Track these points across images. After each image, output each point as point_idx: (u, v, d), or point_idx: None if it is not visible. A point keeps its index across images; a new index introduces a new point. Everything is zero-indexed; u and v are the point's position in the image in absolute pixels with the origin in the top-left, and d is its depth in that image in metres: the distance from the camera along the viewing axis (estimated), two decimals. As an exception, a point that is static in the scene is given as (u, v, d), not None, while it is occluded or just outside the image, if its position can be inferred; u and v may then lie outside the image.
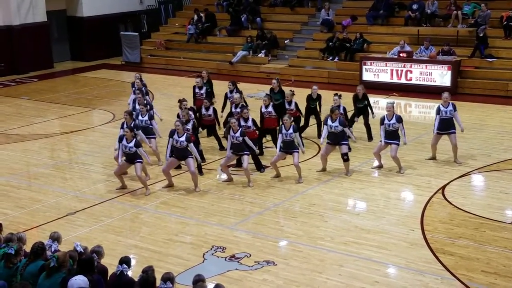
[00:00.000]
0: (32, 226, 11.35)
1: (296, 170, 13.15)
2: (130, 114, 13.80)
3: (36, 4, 26.38)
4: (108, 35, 28.69)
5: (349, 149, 13.71)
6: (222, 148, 15.16)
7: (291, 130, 12.91)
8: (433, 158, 14.16)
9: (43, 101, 21.41)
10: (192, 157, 12.79)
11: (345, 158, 13.34)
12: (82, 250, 7.54)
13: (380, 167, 13.78)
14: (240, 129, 12.96)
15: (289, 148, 13.05)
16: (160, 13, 30.83)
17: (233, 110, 14.91)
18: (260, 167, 13.89)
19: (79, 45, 28.76)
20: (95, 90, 23.08)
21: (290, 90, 15.39)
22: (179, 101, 14.71)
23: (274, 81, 16.01)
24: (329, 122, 13.32)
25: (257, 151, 13.69)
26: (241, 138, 12.84)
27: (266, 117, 14.59)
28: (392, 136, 13.28)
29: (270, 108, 14.55)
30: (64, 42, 28.93)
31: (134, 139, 12.52)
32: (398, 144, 13.33)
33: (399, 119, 13.28)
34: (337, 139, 13.33)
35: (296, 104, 15.05)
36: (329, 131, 13.35)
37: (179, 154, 12.72)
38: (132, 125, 13.28)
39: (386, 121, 13.31)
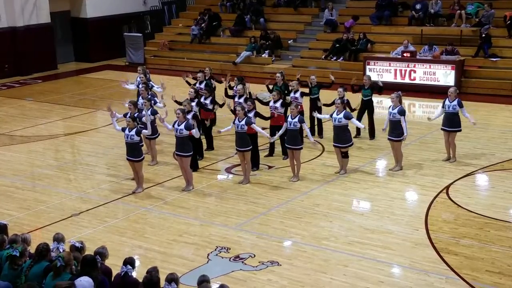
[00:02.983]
0: (36, 227, 11.37)
1: (295, 167, 13.05)
2: (134, 104, 13.87)
3: (40, 6, 26.42)
4: (112, 36, 28.72)
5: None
6: (210, 148, 15.08)
7: (296, 119, 12.75)
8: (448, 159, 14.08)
9: (47, 102, 21.45)
10: (190, 156, 12.70)
11: (343, 155, 13.31)
12: (78, 245, 7.60)
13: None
14: (246, 117, 12.77)
15: (292, 142, 12.86)
16: (164, 14, 30.84)
17: (236, 100, 14.65)
18: (255, 165, 13.71)
19: (83, 46, 28.80)
20: (99, 91, 23.11)
21: (297, 79, 15.41)
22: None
23: (278, 74, 15.92)
24: (334, 114, 13.16)
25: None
26: (245, 127, 12.67)
27: (272, 111, 14.16)
28: (392, 128, 13.30)
29: (278, 104, 14.11)
30: (68, 43, 28.97)
31: (136, 128, 12.50)
32: (399, 140, 13.31)
33: (402, 112, 13.21)
34: (339, 135, 13.13)
35: (300, 94, 14.90)
36: (334, 124, 13.17)
37: (178, 144, 12.65)
38: (135, 115, 13.37)
39: (390, 110, 13.38)
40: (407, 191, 12.76)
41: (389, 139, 13.46)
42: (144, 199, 12.60)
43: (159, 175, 13.87)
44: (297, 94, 14.89)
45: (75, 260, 7.30)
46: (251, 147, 12.92)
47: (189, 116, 13.31)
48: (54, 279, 7.01)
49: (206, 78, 16.82)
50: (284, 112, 14.22)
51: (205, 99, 15.08)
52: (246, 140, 12.83)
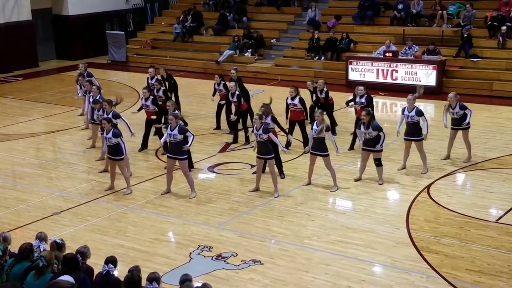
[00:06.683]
0: (17, 226, 11.28)
1: (330, 174, 12.68)
2: (109, 102, 13.78)
3: (21, 3, 26.21)
4: (94, 34, 28.56)
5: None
6: (145, 147, 15.16)
7: (316, 127, 12.36)
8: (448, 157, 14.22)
9: (28, 100, 21.28)
10: (186, 159, 12.38)
11: (377, 163, 12.89)
12: (59, 242, 7.57)
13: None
14: (263, 125, 12.16)
15: (318, 149, 12.45)
16: (146, 12, 30.75)
17: (230, 99, 15.47)
18: (280, 172, 13.31)
19: (65, 44, 28.63)
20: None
21: (293, 87, 14.97)
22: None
23: (232, 71, 16.57)
24: (363, 128, 12.69)
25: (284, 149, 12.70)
26: (265, 136, 12.10)
27: (291, 109, 14.63)
28: (413, 130, 13.22)
29: (296, 100, 14.48)
30: (49, 41, 28.77)
31: (112, 129, 12.35)
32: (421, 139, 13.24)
33: (419, 113, 13.13)
34: (371, 143, 12.67)
35: (301, 100, 14.65)
36: (365, 137, 12.71)
37: (172, 149, 12.24)
38: (111, 114, 13.34)
39: (406, 113, 13.23)
40: (389, 190, 12.82)
41: (408, 140, 13.37)
42: (126, 198, 12.54)
43: (141, 174, 13.82)
44: (296, 101, 14.52)
45: (56, 259, 7.26)
46: (273, 155, 12.40)
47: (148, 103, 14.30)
48: (37, 279, 6.96)
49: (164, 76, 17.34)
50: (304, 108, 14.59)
51: (157, 91, 15.60)
52: (268, 148, 12.25)
